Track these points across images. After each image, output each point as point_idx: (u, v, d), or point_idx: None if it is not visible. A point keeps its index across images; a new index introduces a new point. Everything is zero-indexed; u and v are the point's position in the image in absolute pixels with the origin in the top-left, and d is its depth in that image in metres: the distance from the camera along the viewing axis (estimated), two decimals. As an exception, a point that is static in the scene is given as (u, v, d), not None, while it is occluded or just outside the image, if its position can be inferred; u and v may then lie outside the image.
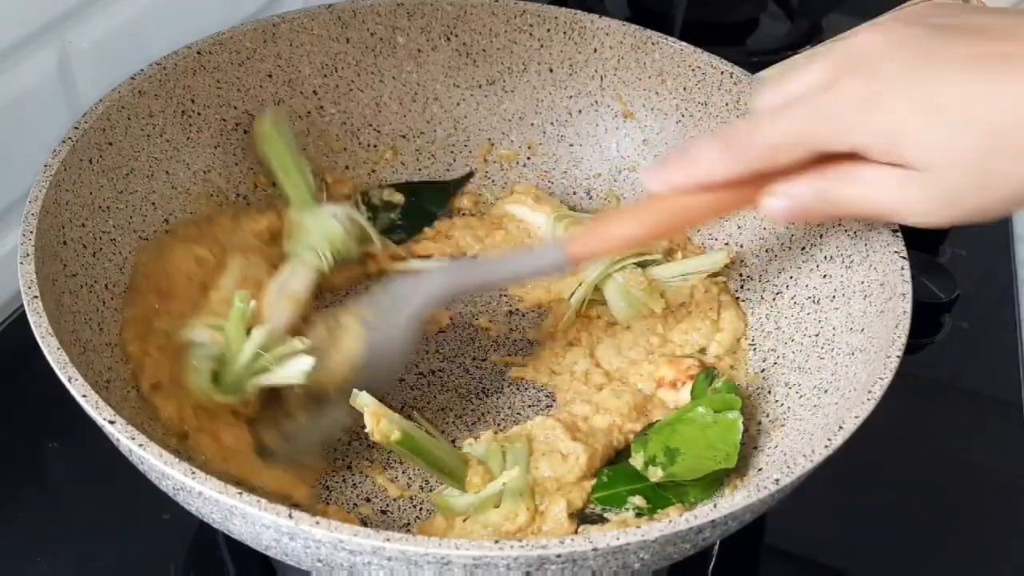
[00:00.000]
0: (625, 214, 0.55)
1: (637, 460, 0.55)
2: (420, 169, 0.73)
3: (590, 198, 0.73)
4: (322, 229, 0.65)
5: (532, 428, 0.56)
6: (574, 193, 0.73)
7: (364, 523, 0.53)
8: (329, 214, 0.65)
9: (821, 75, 0.47)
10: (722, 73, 0.67)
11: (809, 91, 0.47)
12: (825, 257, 0.61)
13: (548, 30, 0.71)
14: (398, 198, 0.72)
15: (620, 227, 0.54)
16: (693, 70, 0.68)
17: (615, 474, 0.55)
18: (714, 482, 0.54)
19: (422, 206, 0.72)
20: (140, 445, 0.43)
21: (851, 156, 0.46)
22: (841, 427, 0.46)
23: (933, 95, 0.43)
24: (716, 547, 0.59)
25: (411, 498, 0.55)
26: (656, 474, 0.54)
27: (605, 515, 0.54)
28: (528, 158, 0.74)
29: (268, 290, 0.62)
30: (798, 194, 0.48)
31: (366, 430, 0.50)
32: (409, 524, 0.54)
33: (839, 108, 0.45)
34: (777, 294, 0.64)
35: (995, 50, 0.43)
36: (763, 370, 0.61)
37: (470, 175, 0.73)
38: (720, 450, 0.53)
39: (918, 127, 0.43)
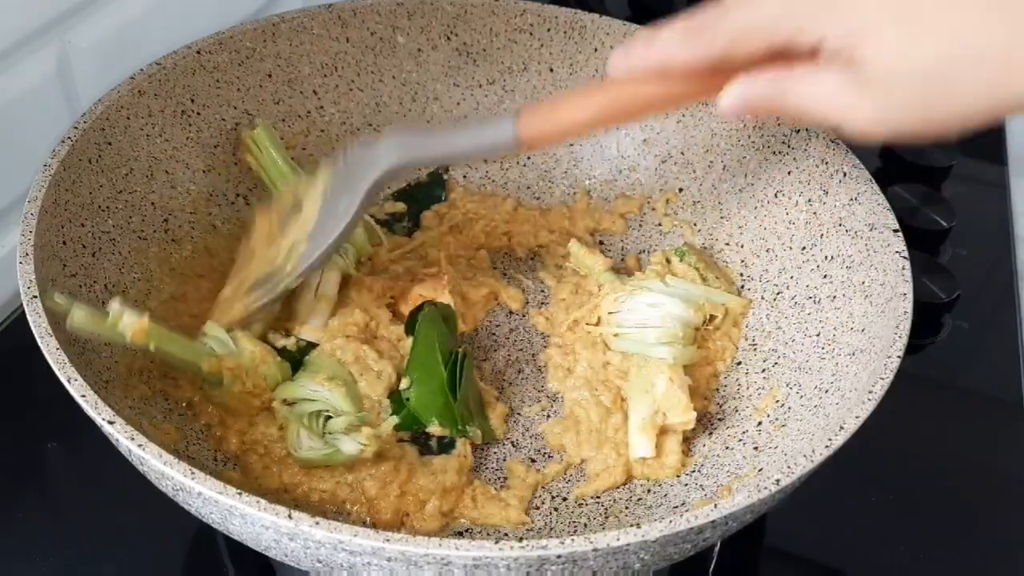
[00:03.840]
0: (578, 97, 0.53)
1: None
2: (420, 169, 0.73)
3: (590, 197, 0.73)
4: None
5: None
6: (574, 193, 0.73)
7: None
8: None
9: None
10: (722, 73, 0.67)
11: None
12: (826, 257, 0.61)
13: (548, 30, 0.71)
14: (400, 207, 0.72)
15: (573, 110, 0.53)
16: (693, 70, 0.68)
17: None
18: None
19: (423, 202, 0.72)
20: (140, 445, 0.43)
21: (809, 60, 0.45)
22: (842, 427, 0.46)
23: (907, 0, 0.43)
24: (717, 547, 0.59)
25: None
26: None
27: None
28: (528, 158, 0.74)
29: (302, 296, 0.62)
30: (750, 89, 0.47)
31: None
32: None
33: (806, 1, 0.45)
34: (777, 294, 0.64)
35: None
36: (763, 370, 0.61)
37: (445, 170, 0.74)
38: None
39: (881, 26, 0.43)
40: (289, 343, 0.60)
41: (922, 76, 0.42)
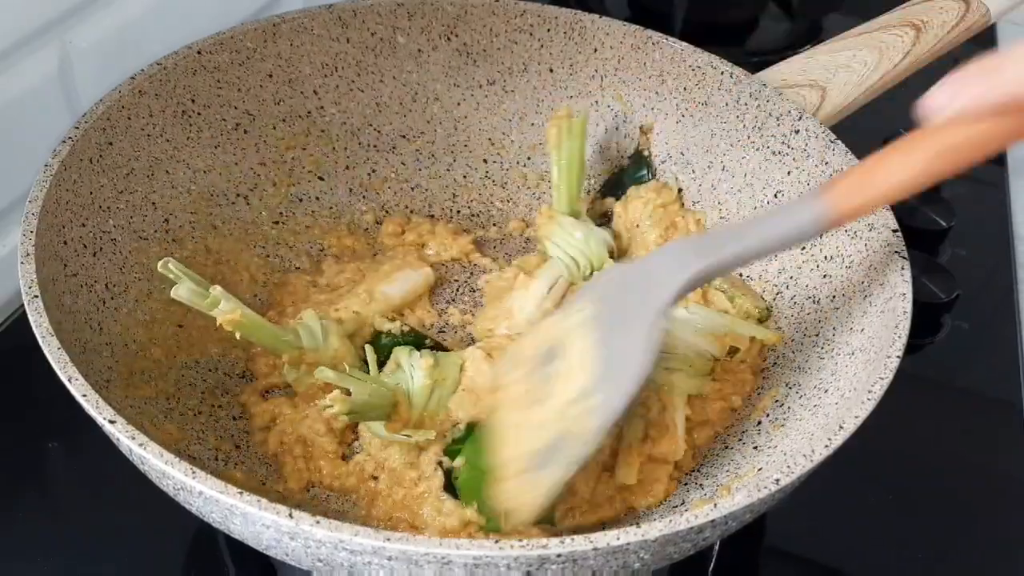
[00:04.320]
0: (895, 154, 0.45)
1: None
2: (420, 169, 0.73)
3: (591, 193, 0.73)
4: (592, 247, 0.66)
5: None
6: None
7: None
8: (600, 235, 0.66)
9: None
10: (722, 73, 0.67)
11: None
12: (825, 257, 0.61)
13: (548, 30, 0.71)
14: (609, 203, 0.71)
15: (892, 171, 0.45)
16: (693, 70, 0.68)
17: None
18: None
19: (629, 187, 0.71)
20: (140, 445, 0.43)
21: None
22: (841, 427, 0.46)
23: None
24: (716, 547, 0.59)
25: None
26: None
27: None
28: (528, 158, 0.74)
29: (532, 288, 0.63)
30: None
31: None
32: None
33: None
34: (777, 294, 0.64)
35: None
36: (764, 370, 0.61)
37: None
38: None
39: None
40: (394, 327, 0.61)
41: None
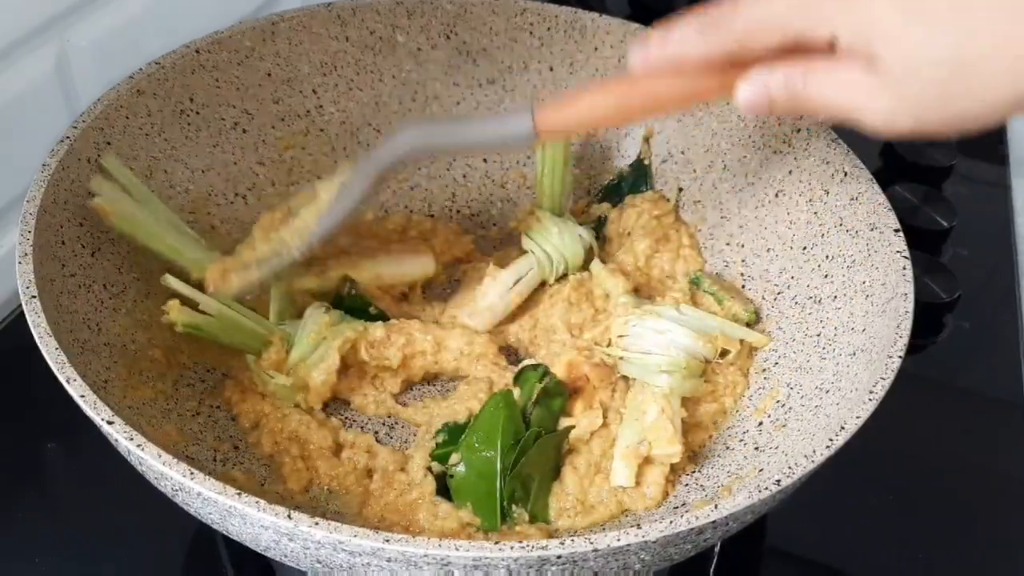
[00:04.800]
0: (597, 92, 0.53)
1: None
2: (420, 169, 0.73)
3: (590, 196, 0.73)
4: (567, 244, 0.66)
5: None
6: (574, 191, 0.73)
7: None
8: (577, 232, 0.66)
9: None
10: (723, 72, 0.67)
11: None
12: (826, 257, 0.61)
13: (548, 28, 0.71)
14: (605, 208, 0.71)
15: (592, 102, 0.53)
16: (694, 69, 0.68)
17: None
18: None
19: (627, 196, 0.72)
20: (139, 445, 0.42)
21: (826, 53, 0.45)
22: (843, 427, 0.46)
23: None
24: (717, 548, 0.58)
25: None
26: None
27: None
28: (528, 158, 0.74)
29: (499, 279, 0.64)
30: (768, 82, 0.47)
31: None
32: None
33: None
34: (778, 294, 0.64)
35: None
36: (764, 370, 0.61)
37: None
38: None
39: (895, 24, 0.42)
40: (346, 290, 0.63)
41: (939, 69, 0.42)
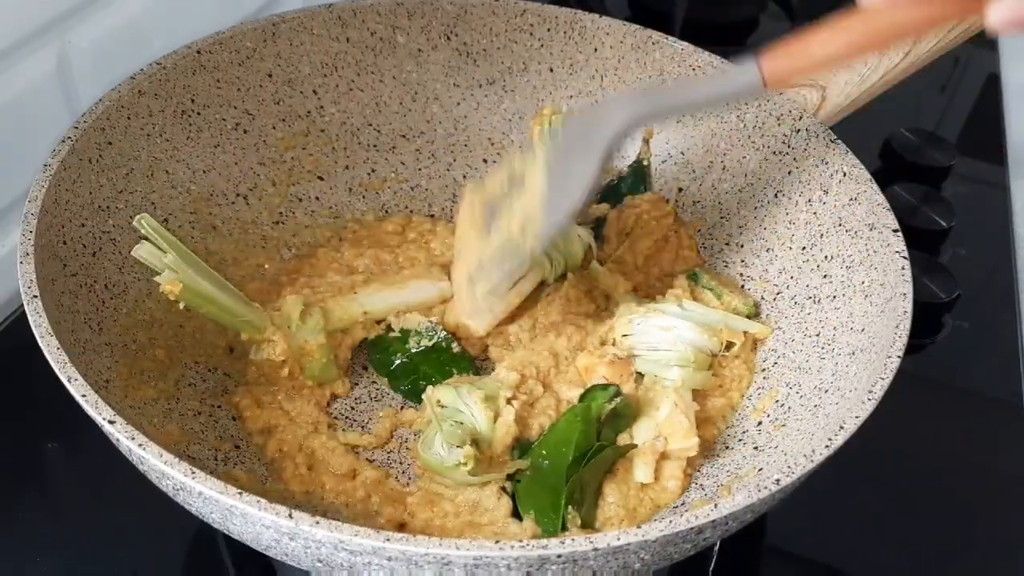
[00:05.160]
0: (828, 30, 0.50)
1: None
2: (420, 169, 0.73)
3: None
4: (566, 244, 0.65)
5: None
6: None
7: None
8: (576, 232, 0.66)
9: None
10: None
11: None
12: (826, 257, 0.61)
13: (548, 30, 0.71)
14: (604, 208, 0.71)
15: (825, 44, 0.50)
16: (693, 70, 0.68)
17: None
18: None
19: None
20: (140, 445, 0.42)
21: None
22: (842, 427, 0.46)
23: None
24: (717, 547, 0.59)
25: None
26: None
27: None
28: (528, 158, 0.74)
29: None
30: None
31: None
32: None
33: None
34: (777, 294, 0.64)
35: None
36: (764, 370, 0.61)
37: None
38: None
39: None
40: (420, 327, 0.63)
41: None
